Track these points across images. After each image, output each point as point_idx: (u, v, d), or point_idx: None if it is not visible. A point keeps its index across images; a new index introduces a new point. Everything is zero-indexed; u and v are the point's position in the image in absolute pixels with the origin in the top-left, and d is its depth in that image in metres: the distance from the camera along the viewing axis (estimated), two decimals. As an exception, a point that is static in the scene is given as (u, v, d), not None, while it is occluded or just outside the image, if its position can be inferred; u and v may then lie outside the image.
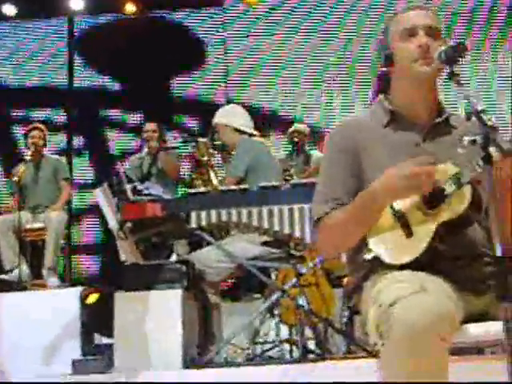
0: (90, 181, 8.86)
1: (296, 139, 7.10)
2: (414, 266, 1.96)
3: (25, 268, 6.24)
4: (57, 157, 7.34)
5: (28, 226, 6.42)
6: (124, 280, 4.47)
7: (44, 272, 6.24)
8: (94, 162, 9.07)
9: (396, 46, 2.17)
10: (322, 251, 2.47)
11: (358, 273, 2.16)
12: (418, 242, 2.00)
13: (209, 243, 4.55)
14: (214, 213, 4.20)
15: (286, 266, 4.59)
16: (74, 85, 9.29)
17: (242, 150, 4.89)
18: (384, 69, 2.22)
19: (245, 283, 5.92)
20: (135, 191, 4.63)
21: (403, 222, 2.03)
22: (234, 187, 4.45)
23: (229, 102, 8.34)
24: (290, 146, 7.26)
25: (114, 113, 9.19)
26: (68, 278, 7.01)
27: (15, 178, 6.48)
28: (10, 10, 9.05)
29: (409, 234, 2.02)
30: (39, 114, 9.10)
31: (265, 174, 4.68)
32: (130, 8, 9.03)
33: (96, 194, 4.72)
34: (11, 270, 6.17)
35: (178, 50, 9.06)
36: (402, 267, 1.98)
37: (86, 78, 9.31)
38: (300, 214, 4.10)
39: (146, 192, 4.63)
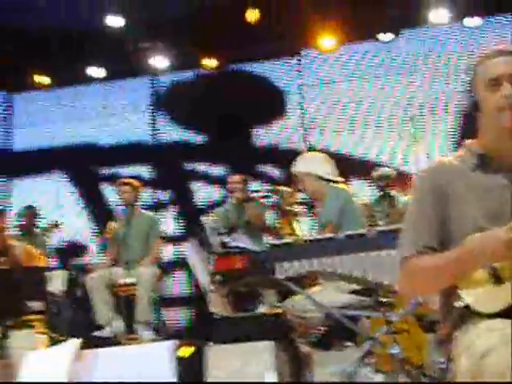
0: (177, 234, 9.01)
1: (381, 183, 7.06)
2: (506, 314, 1.95)
3: (119, 323, 6.35)
4: (150, 213, 7.45)
5: (121, 281, 6.54)
6: (215, 333, 4.51)
7: (137, 326, 6.33)
8: (181, 215, 9.23)
9: (482, 94, 2.18)
10: (401, 291, 2.46)
11: (449, 321, 2.15)
12: (509, 290, 1.98)
13: (297, 293, 4.55)
14: (300, 263, 4.20)
15: (376, 313, 4.53)
16: (159, 140, 9.54)
17: (331, 197, 4.88)
18: (471, 113, 2.23)
19: (335, 332, 5.87)
20: (222, 243, 4.68)
21: (494, 272, 2.02)
22: (319, 236, 4.45)
23: (310, 149, 8.40)
24: (375, 190, 7.22)
25: (198, 166, 9.36)
26: (161, 332, 7.08)
27: (108, 235, 6.64)
28: (97, 71, 9.43)
29: (500, 283, 2.00)
30: (126, 170, 9.37)
31: (351, 222, 4.67)
32: (210, 63, 9.27)
33: (185, 248, 4.81)
34: (105, 325, 6.29)
35: (258, 100, 9.21)
36: (493, 316, 1.97)
37: (170, 132, 9.55)
38: (388, 260, 4.06)
39: (233, 244, 4.68)
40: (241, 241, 4.77)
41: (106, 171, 9.57)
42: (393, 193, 7.17)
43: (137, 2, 8.80)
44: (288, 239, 4.58)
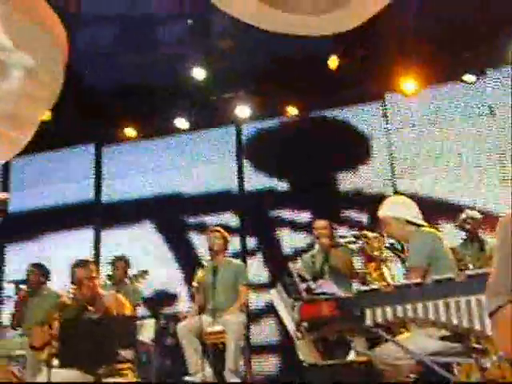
0: (264, 281, 9.03)
1: (468, 226, 6.91)
2: None
3: (208, 371, 6.37)
4: (237, 260, 7.49)
5: (209, 330, 6.58)
6: (304, 380, 4.47)
7: (226, 374, 6.33)
8: (268, 262, 9.25)
9: None
10: (499, 347, 2.38)
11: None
12: None
13: (387, 340, 4.47)
14: (389, 309, 4.13)
15: (468, 360, 4.41)
16: (245, 188, 9.64)
17: (418, 241, 4.80)
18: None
19: (426, 379, 5.73)
20: (309, 290, 4.66)
21: None
22: (407, 282, 4.38)
23: (396, 192, 8.32)
24: (463, 233, 7.07)
25: (284, 212, 9.39)
26: (249, 379, 7.06)
27: (195, 283, 6.70)
28: (182, 123, 9.66)
29: None
30: (213, 218, 9.48)
31: (440, 266, 4.58)
32: (292, 111, 9.36)
33: (271, 295, 4.80)
34: (195, 373, 6.32)
35: (343, 145, 9.22)
36: None
37: (256, 180, 9.63)
38: (478, 305, 3.95)
39: (319, 291, 4.65)
40: (328, 287, 4.73)
41: (193, 220, 9.70)
42: (482, 236, 7.01)
43: (219, 53, 9.00)
44: (376, 285, 4.53)
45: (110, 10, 8.56)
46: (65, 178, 10.35)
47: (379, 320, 4.16)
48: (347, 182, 9.26)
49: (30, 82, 1.22)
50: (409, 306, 4.08)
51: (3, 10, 6.12)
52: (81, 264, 6.00)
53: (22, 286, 7.56)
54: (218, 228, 7.21)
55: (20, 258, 9.98)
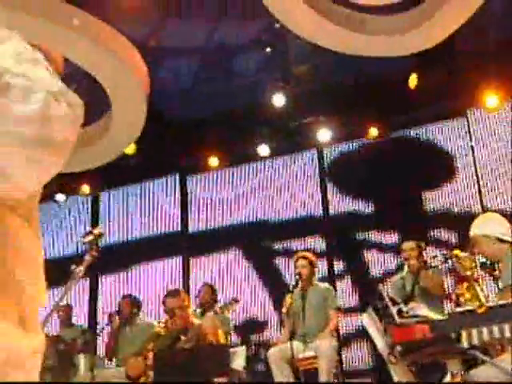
0: (354, 304, 8.95)
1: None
2: None
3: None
4: (326, 284, 7.44)
5: (300, 355, 6.55)
6: (400, 405, 4.40)
7: (319, 400, 6.30)
8: (356, 285, 9.18)
9: None
10: None
11: None
12: None
13: (483, 361, 4.36)
14: (485, 330, 4.05)
15: None
16: (329, 211, 9.62)
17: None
18: None
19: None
20: (401, 313, 4.60)
21: None
22: (502, 302, 4.28)
23: (485, 210, 8.14)
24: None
25: (370, 234, 9.32)
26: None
27: (284, 309, 6.71)
28: (264, 150, 9.74)
29: None
30: (299, 243, 9.49)
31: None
32: (373, 132, 9.31)
33: (362, 319, 4.76)
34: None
35: (426, 164, 9.10)
36: None
37: (340, 203, 9.60)
38: None
39: (412, 313, 4.59)
40: (419, 309, 4.67)
41: (279, 246, 9.73)
42: None
43: (298, 78, 9.06)
44: (469, 306, 4.44)
45: (188, 43, 8.74)
46: (152, 208, 10.56)
47: (475, 341, 4.08)
48: (433, 201, 9.12)
49: (58, 105, 1.26)
50: (505, 326, 3.99)
51: (69, 35, 6.35)
52: (172, 294, 6.10)
53: (116, 317, 7.72)
54: (304, 253, 7.22)
55: (112, 289, 10.22)
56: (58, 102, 1.26)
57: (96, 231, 4.54)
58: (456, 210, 8.92)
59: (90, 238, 4.55)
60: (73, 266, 4.52)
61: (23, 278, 1.42)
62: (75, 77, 7.64)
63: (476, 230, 4.95)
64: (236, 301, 7.58)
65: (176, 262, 10.17)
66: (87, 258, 4.55)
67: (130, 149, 8.81)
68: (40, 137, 1.21)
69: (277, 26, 8.17)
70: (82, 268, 4.46)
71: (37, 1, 6.38)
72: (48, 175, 1.29)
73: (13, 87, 1.22)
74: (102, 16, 6.99)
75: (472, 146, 9.05)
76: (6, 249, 1.38)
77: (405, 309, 4.65)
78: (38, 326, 1.46)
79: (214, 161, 9.97)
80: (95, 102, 7.84)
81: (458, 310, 4.41)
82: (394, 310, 4.57)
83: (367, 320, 4.66)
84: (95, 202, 10.84)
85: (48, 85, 1.27)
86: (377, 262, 9.16)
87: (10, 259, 1.38)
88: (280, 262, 9.58)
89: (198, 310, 7.60)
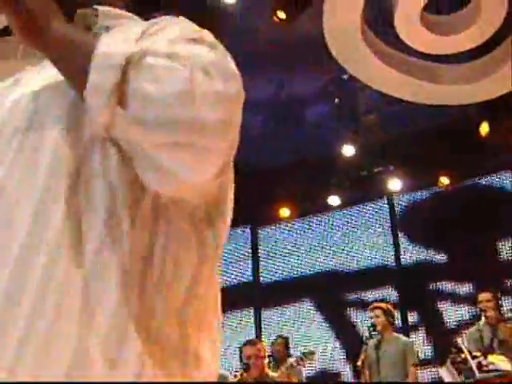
0: (429, 356, 8.78)
1: None
2: None
3: None
4: (403, 337, 7.27)
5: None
6: None
7: None
8: (431, 336, 9.01)
9: None
10: None
11: None
12: None
13: None
14: None
15: None
16: (402, 261, 9.52)
17: None
18: None
19: None
20: (481, 367, 4.51)
21: None
22: None
23: None
24: None
25: (444, 285, 9.17)
26: None
27: (359, 362, 6.61)
28: (334, 200, 9.75)
29: None
30: (371, 294, 9.40)
31: None
32: (445, 181, 9.22)
33: (440, 372, 4.69)
34: None
35: (499, 212, 8.96)
36: None
37: (412, 253, 9.50)
38: None
39: (492, 367, 4.50)
40: (500, 363, 4.57)
41: (352, 296, 9.66)
42: None
43: (367, 127, 9.09)
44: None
45: (258, 96, 8.88)
46: (224, 259, 10.64)
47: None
48: (507, 249, 8.94)
49: (208, 81, 1.00)
50: None
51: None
52: (250, 343, 6.14)
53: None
54: (380, 304, 7.12)
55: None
56: (210, 77, 1.08)
57: None
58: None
59: None
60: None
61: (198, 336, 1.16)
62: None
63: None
64: (312, 353, 7.50)
65: (249, 313, 10.18)
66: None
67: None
68: (184, 119, 1.04)
69: (345, 76, 8.26)
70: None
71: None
72: (209, 162, 1.10)
73: (155, 68, 1.05)
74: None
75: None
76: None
77: (484, 362, 4.57)
78: None
79: (285, 212, 10.00)
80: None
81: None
82: (473, 363, 4.49)
83: (446, 373, 4.59)
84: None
85: (198, 60, 1.08)
86: (451, 313, 8.99)
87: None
88: (353, 312, 9.50)
89: (272, 363, 7.56)
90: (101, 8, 1.22)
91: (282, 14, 6.62)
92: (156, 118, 1.02)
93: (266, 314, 10.12)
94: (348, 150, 9.06)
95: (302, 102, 9.25)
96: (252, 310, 10.19)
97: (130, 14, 1.29)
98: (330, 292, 9.83)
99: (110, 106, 1.02)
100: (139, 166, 1.08)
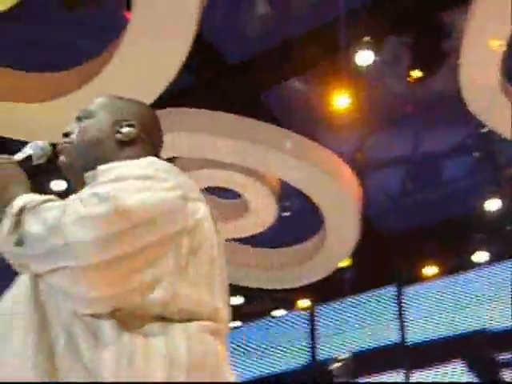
0: None
1: None
2: None
3: None
4: None
5: None
6: None
7: None
8: None
9: None
10: None
11: None
12: None
13: None
14: None
15: None
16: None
17: None
18: None
19: None
20: None
21: None
22: None
23: None
24: None
25: None
26: None
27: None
28: (480, 256, 9.48)
29: None
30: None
31: None
32: None
33: None
34: None
35: None
36: None
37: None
38: None
39: None
40: None
41: (504, 356, 9.28)
42: None
43: (510, 178, 8.84)
44: None
45: (396, 155, 8.86)
46: (369, 320, 10.50)
47: None
48: None
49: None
50: None
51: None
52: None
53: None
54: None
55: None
56: (83, 204, 1.32)
57: (341, 357, 4.56)
58: None
59: (337, 364, 4.57)
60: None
61: None
62: (292, 193, 7.99)
63: None
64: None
65: (397, 375, 9.95)
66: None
67: (345, 262, 8.91)
68: (56, 248, 1.29)
69: (483, 130, 8.10)
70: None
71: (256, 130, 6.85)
72: (87, 279, 1.30)
73: (42, 211, 1.36)
74: (311, 135, 7.33)
75: None
76: None
77: None
78: None
79: (430, 270, 9.80)
80: (310, 218, 8.12)
81: None
82: None
83: None
84: (312, 316, 10.95)
85: (80, 197, 1.36)
86: None
87: None
88: (507, 373, 9.09)
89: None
90: (100, 168, 1.51)
91: (417, 73, 6.64)
92: (37, 251, 1.31)
93: (415, 376, 9.85)
94: (492, 204, 8.81)
95: (441, 157, 9.14)
96: (401, 373, 9.94)
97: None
98: (481, 352, 9.47)
99: (8, 245, 1.36)
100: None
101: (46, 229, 1.31)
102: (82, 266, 1.28)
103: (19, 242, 1.34)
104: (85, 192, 1.38)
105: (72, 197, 1.38)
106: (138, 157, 1.56)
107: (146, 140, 1.68)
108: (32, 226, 1.33)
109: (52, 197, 1.42)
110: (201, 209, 1.48)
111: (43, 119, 5.57)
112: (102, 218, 1.30)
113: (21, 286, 1.46)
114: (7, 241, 1.35)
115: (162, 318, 1.38)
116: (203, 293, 1.44)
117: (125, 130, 1.66)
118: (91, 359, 1.30)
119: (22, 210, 1.36)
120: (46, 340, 1.35)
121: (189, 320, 1.40)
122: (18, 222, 1.36)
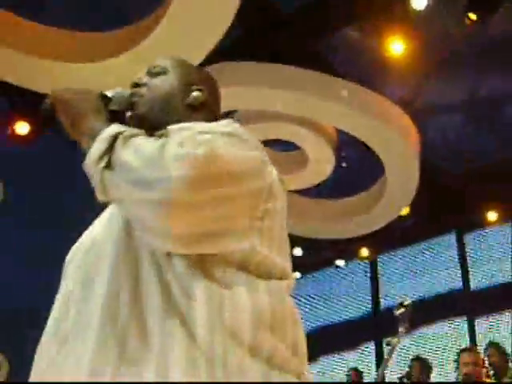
0: None
1: None
2: None
3: None
4: None
5: None
6: None
7: None
8: None
9: None
10: None
11: None
12: None
13: None
14: None
15: None
16: None
17: None
18: None
19: None
20: None
21: None
22: None
23: None
24: None
25: None
26: None
27: None
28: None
29: None
30: None
31: None
32: None
33: None
34: None
35: None
36: None
37: None
38: None
39: None
40: None
41: None
42: None
43: None
44: None
45: (454, 99, 8.72)
46: (429, 268, 10.46)
47: None
48: None
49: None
50: None
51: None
52: (467, 349, 6.05)
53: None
54: None
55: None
56: (182, 145, 1.32)
57: (406, 303, 4.52)
58: None
59: (402, 310, 4.54)
60: (387, 339, 4.53)
61: None
62: (349, 143, 7.95)
63: None
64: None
65: (460, 322, 9.91)
66: (401, 330, 4.52)
67: (405, 210, 8.86)
68: (152, 179, 1.28)
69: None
70: (397, 339, 4.45)
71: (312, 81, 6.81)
72: (175, 215, 1.30)
73: (137, 142, 1.38)
74: (367, 82, 7.26)
75: None
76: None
77: None
78: None
79: (492, 216, 9.65)
80: (369, 168, 8.07)
81: None
82: None
83: None
84: (373, 265, 10.96)
85: (177, 136, 1.37)
86: None
87: None
88: None
89: (490, 371, 7.28)
90: (169, 127, 1.48)
91: (473, 16, 6.48)
92: (127, 177, 1.32)
93: (478, 322, 9.79)
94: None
95: (498, 102, 8.96)
96: (464, 319, 9.89)
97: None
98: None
99: (98, 169, 1.36)
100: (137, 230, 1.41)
101: (143, 159, 1.32)
102: (177, 200, 1.29)
103: (110, 167, 1.36)
104: (175, 137, 1.37)
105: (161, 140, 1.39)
106: (202, 122, 1.57)
107: (210, 107, 1.70)
108: (126, 154, 1.35)
109: (143, 131, 1.45)
110: (273, 171, 1.50)
111: (97, 79, 5.61)
112: (202, 159, 1.31)
113: (113, 226, 1.51)
114: (98, 163, 1.36)
115: (243, 271, 1.40)
116: (275, 253, 1.46)
117: (195, 93, 1.68)
118: (184, 304, 1.34)
119: (115, 137, 1.38)
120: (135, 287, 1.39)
121: (266, 277, 1.43)
122: (110, 148, 1.37)
